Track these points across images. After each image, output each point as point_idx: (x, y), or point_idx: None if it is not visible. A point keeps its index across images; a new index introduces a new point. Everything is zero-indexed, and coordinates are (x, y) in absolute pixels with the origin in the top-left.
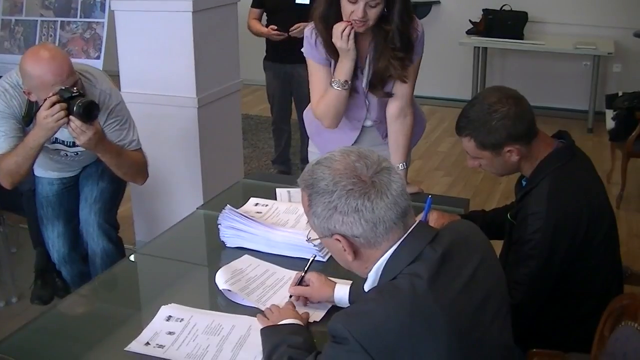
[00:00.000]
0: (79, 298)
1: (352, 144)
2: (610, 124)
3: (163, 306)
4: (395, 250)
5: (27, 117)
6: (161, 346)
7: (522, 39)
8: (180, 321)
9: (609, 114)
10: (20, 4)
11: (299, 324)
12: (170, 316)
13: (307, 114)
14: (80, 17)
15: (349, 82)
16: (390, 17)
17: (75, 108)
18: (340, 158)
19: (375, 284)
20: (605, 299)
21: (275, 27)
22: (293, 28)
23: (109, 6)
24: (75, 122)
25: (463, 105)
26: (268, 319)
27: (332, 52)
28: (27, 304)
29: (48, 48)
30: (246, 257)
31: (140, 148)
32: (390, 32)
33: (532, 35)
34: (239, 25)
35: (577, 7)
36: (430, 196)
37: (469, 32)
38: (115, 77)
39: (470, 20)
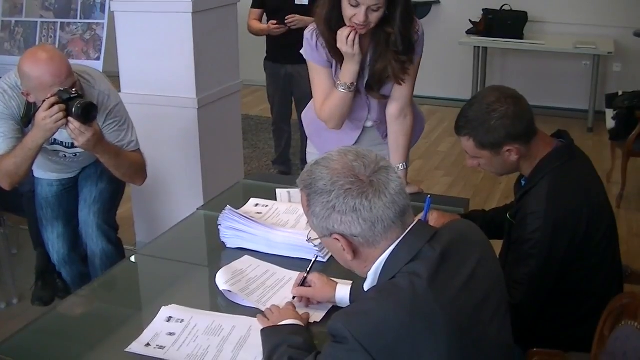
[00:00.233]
0: (80, 299)
1: (353, 145)
2: (610, 123)
3: (163, 307)
4: (394, 249)
5: (26, 118)
6: (162, 347)
7: (522, 38)
8: (181, 322)
9: (609, 113)
10: (20, 5)
11: (299, 325)
12: (170, 317)
13: (305, 115)
14: (80, 18)
15: (355, 84)
16: (392, 20)
17: (74, 109)
18: (338, 158)
19: (375, 283)
20: (606, 298)
21: (275, 22)
22: (289, 19)
23: (109, 7)
24: (74, 123)
25: (463, 105)
26: (268, 319)
27: (335, 54)
28: (28, 305)
29: (46, 49)
30: (246, 258)
31: (139, 149)
32: (392, 35)
33: (532, 35)
34: (239, 26)
35: (577, 7)
36: (429, 196)
37: (469, 32)
38: (115, 78)
39: (470, 20)
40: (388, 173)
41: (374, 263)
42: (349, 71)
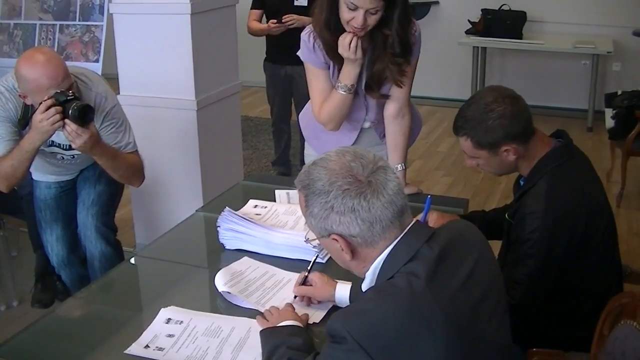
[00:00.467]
0: (79, 301)
1: (351, 145)
2: (609, 122)
3: (162, 309)
4: (392, 249)
5: (23, 120)
6: (161, 349)
7: (521, 38)
8: (180, 323)
9: (609, 112)
10: (19, 8)
11: (299, 326)
12: (169, 319)
13: (302, 117)
14: (79, 21)
15: (355, 86)
16: (390, 22)
17: (70, 111)
18: (336, 158)
19: (373, 284)
20: (605, 297)
21: (275, 21)
22: (287, 18)
23: (108, 9)
24: (70, 125)
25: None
26: (267, 320)
27: (333, 56)
28: (28, 308)
29: (43, 52)
30: (245, 259)
31: (137, 150)
32: (389, 37)
33: (531, 34)
34: (238, 27)
35: (576, 7)
36: (429, 196)
37: (468, 32)
38: (114, 80)
39: (469, 20)
40: (386, 173)
41: (372, 263)
42: (349, 73)
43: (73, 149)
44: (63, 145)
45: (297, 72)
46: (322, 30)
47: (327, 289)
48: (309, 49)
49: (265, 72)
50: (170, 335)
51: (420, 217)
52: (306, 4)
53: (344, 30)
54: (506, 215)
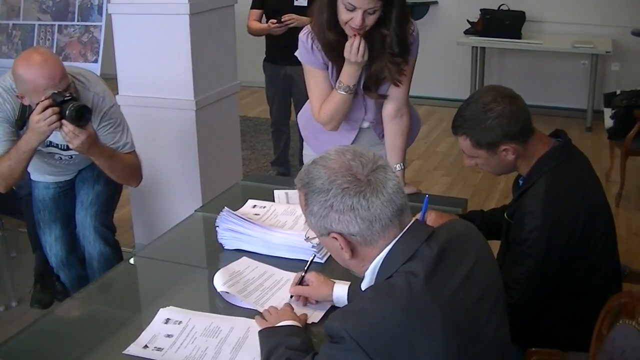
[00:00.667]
0: (78, 301)
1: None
2: (608, 122)
3: (161, 309)
4: (391, 248)
5: (21, 120)
6: (159, 349)
7: (520, 38)
8: (179, 324)
9: (608, 112)
10: (17, 8)
11: (297, 326)
12: (168, 319)
13: (301, 117)
14: (78, 21)
15: (356, 87)
16: (388, 22)
17: (67, 112)
18: (335, 157)
19: (372, 282)
20: (604, 297)
21: (275, 21)
22: (286, 18)
23: (106, 9)
24: (67, 126)
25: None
26: (266, 320)
27: (331, 57)
28: (27, 308)
29: (40, 52)
30: (244, 259)
31: (134, 151)
32: (387, 37)
33: (530, 34)
34: (237, 27)
35: (575, 6)
36: (427, 196)
37: (466, 32)
38: (113, 80)
39: (468, 20)
40: (386, 172)
41: (371, 262)
42: (350, 74)
43: (71, 149)
44: (61, 145)
45: (296, 73)
46: (320, 31)
47: (323, 288)
48: (307, 49)
49: (264, 73)
50: (169, 336)
51: (418, 216)
52: (306, 4)
53: (342, 31)
54: (505, 215)
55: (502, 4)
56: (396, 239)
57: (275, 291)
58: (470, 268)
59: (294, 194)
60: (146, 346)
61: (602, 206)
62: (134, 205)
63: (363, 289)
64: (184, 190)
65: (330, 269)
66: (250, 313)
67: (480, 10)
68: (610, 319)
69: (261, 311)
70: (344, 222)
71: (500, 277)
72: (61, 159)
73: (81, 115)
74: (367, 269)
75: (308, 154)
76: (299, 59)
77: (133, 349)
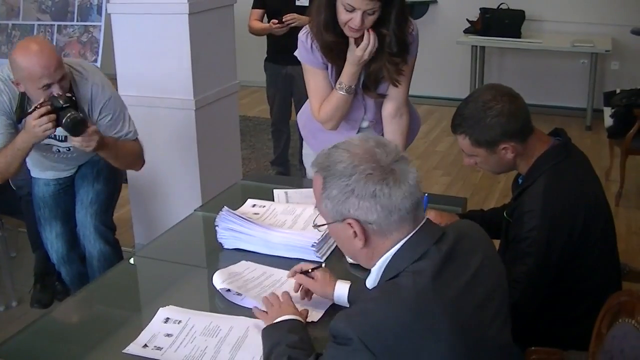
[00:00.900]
0: (78, 301)
1: None
2: (608, 121)
3: (161, 308)
4: (401, 247)
5: (20, 109)
6: (159, 348)
7: (519, 37)
8: (178, 323)
9: (607, 111)
10: (17, 8)
11: (298, 320)
12: (168, 318)
13: (300, 116)
14: (77, 21)
15: (354, 87)
16: (387, 21)
17: (64, 121)
18: (359, 143)
19: (378, 279)
20: (603, 296)
21: (277, 21)
22: (287, 17)
23: (106, 9)
24: (74, 140)
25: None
26: (266, 312)
27: (330, 58)
28: (27, 308)
29: (38, 41)
30: (243, 263)
31: (137, 138)
32: (386, 37)
33: (529, 33)
34: (237, 27)
35: (575, 5)
36: (426, 194)
37: (466, 31)
38: (112, 80)
39: (467, 19)
40: (407, 164)
41: (380, 258)
42: (350, 74)
43: (68, 141)
44: (59, 136)
45: (297, 72)
46: (318, 32)
47: (327, 285)
48: (306, 49)
49: (265, 72)
50: (168, 335)
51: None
52: (307, 4)
53: (340, 32)
54: (504, 214)
55: (502, 3)
56: (407, 237)
57: (275, 290)
58: (477, 269)
59: (293, 193)
60: (146, 345)
61: (602, 205)
62: (133, 205)
63: (368, 287)
64: (183, 190)
65: (330, 269)
66: (250, 312)
67: (480, 9)
68: (610, 317)
69: (260, 308)
70: (363, 208)
71: (505, 278)
72: (59, 151)
73: (76, 128)
74: (374, 265)
75: (307, 154)
76: (298, 58)
77: (133, 348)
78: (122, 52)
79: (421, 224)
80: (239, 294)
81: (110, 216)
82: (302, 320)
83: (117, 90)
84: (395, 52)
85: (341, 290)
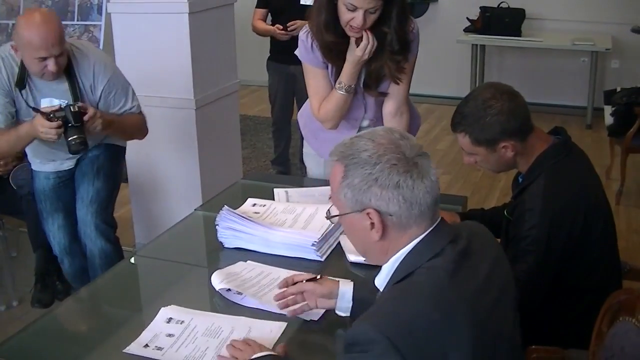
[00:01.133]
0: (79, 301)
1: None
2: (608, 119)
3: (163, 308)
4: (416, 245)
5: (20, 81)
6: (160, 348)
7: (519, 36)
8: (181, 323)
9: (608, 109)
10: (17, 7)
11: (274, 355)
12: (170, 318)
13: (301, 116)
14: (77, 20)
15: (355, 86)
16: (388, 20)
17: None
18: (383, 133)
19: (389, 277)
20: (604, 294)
21: (282, 27)
22: (291, 25)
23: (106, 9)
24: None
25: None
26: (236, 358)
27: (330, 58)
28: (28, 308)
29: (43, 12)
30: (240, 264)
31: (141, 111)
32: (388, 35)
33: (529, 32)
34: (237, 26)
35: (575, 4)
36: None
37: (466, 30)
38: None
39: (467, 18)
40: (429, 160)
41: (395, 254)
42: (351, 74)
43: None
44: None
45: (300, 72)
46: (318, 32)
47: (331, 283)
48: (307, 48)
49: (268, 71)
50: (170, 335)
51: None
52: (311, 3)
53: (341, 32)
54: (505, 212)
55: (502, 2)
56: (424, 234)
57: (273, 288)
58: (490, 268)
59: (294, 192)
60: (147, 345)
61: (602, 203)
62: (134, 204)
63: (377, 284)
64: (183, 189)
65: (330, 269)
66: (252, 313)
67: (480, 7)
68: (610, 316)
69: (260, 307)
70: (384, 198)
71: (513, 278)
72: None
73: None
74: (387, 261)
75: (308, 153)
76: (299, 57)
77: (134, 348)
78: (122, 51)
79: (437, 221)
80: (239, 293)
81: (110, 213)
82: (279, 354)
83: None
84: (396, 50)
85: (347, 286)
